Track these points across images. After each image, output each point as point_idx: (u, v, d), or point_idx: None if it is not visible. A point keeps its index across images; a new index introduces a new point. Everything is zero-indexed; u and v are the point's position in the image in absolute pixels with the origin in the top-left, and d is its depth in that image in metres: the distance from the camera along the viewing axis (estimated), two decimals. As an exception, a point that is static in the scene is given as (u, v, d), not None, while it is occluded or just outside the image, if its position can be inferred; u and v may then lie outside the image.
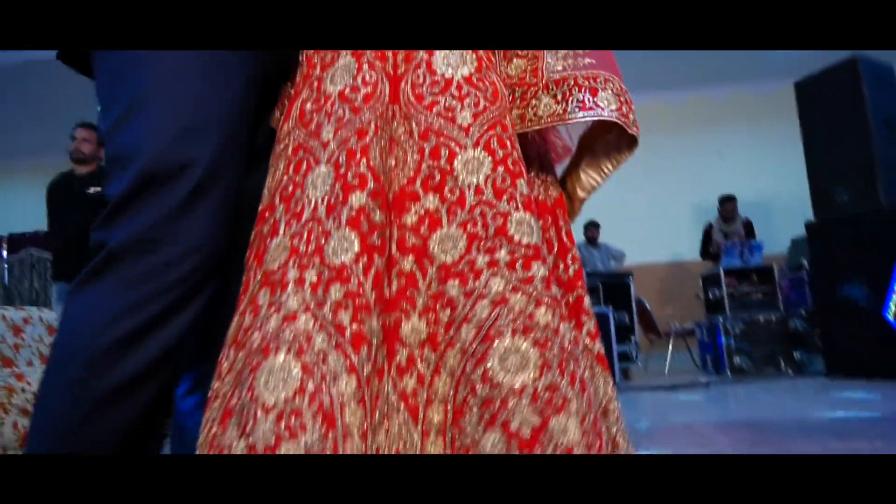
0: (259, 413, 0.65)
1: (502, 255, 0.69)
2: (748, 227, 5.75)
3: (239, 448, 0.65)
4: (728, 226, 5.70)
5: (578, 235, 5.84)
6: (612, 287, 5.06)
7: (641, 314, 5.48)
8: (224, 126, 0.74)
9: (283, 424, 0.64)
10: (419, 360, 0.70)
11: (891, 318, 3.27)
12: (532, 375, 0.64)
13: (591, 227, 6.10)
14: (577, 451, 0.63)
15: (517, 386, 0.64)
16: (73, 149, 3.41)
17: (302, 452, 0.63)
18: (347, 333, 0.67)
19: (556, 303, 0.70)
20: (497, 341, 0.66)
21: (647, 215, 7.63)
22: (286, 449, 0.63)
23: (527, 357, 0.65)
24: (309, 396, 0.65)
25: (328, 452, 0.63)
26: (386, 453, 0.67)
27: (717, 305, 4.98)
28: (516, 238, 0.70)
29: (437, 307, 0.70)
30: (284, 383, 0.65)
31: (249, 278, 0.74)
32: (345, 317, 0.68)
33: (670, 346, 5.29)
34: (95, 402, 0.69)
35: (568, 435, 0.63)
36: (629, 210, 7.48)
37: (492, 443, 0.63)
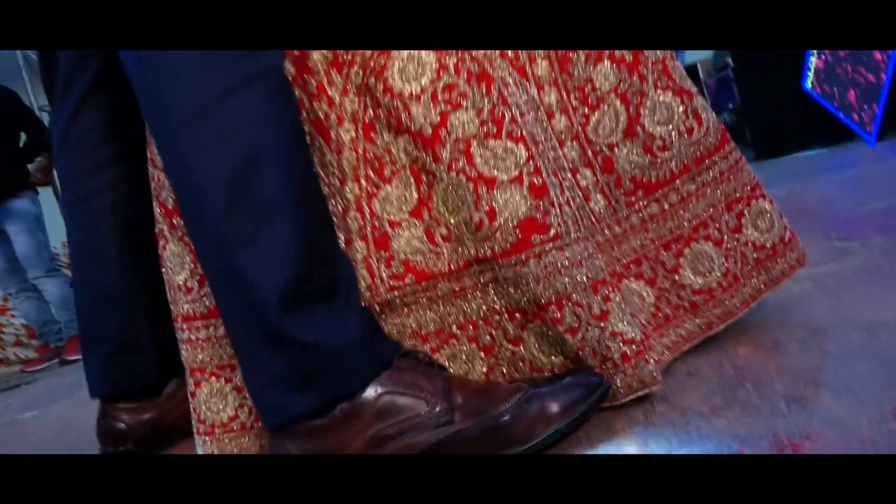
0: (407, 104, 0.71)
1: None
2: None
3: (401, 145, 0.74)
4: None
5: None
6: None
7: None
8: None
9: (439, 101, 0.71)
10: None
11: (808, 88, 3.32)
12: None
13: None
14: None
15: None
16: None
17: (472, 120, 0.71)
18: None
19: None
20: None
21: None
22: (456, 119, 0.70)
23: None
24: (454, 68, 0.71)
25: (491, 107, 0.71)
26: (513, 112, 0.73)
27: (649, 118, 5.00)
28: None
29: None
30: (422, 69, 0.71)
31: None
32: None
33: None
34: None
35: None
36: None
37: (604, 72, 0.78)
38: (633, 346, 0.69)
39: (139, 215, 0.95)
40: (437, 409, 0.63)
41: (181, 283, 0.80)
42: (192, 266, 0.79)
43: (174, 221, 0.79)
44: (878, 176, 1.81)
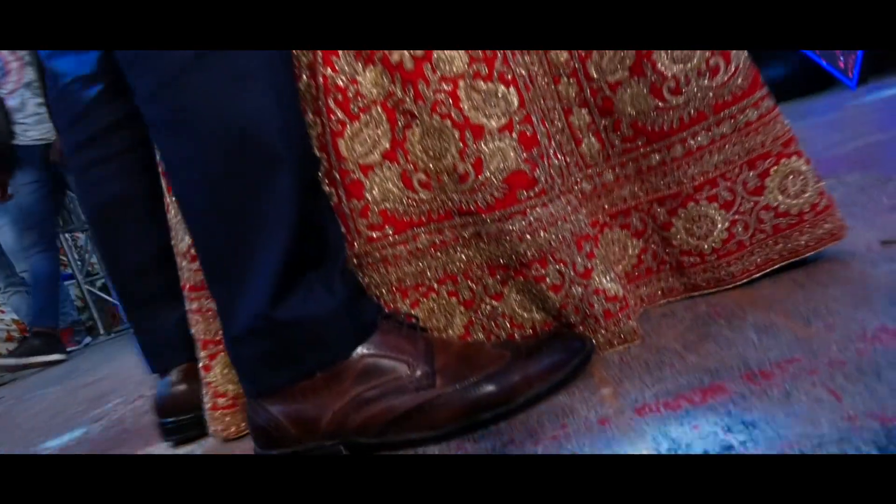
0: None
1: None
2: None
3: (369, 77, 0.68)
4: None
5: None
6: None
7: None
8: None
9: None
10: None
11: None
12: None
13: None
14: None
15: None
16: None
17: (461, 56, 0.65)
18: None
19: None
20: None
21: None
22: (443, 53, 0.65)
23: None
24: None
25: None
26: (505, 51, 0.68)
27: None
28: None
29: None
30: None
31: None
32: None
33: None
34: None
35: None
36: None
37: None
38: (616, 303, 0.68)
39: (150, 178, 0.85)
40: (419, 372, 0.62)
41: (184, 250, 0.76)
42: None
43: (169, 184, 0.75)
44: (857, 117, 1.80)
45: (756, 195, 0.72)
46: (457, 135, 0.66)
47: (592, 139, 0.74)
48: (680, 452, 0.44)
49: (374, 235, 0.73)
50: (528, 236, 0.67)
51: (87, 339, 3.86)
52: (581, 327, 0.69)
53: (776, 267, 0.73)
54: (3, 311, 3.90)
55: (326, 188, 0.72)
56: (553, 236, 0.67)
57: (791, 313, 0.61)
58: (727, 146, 0.71)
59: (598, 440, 0.50)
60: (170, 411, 0.90)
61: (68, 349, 3.46)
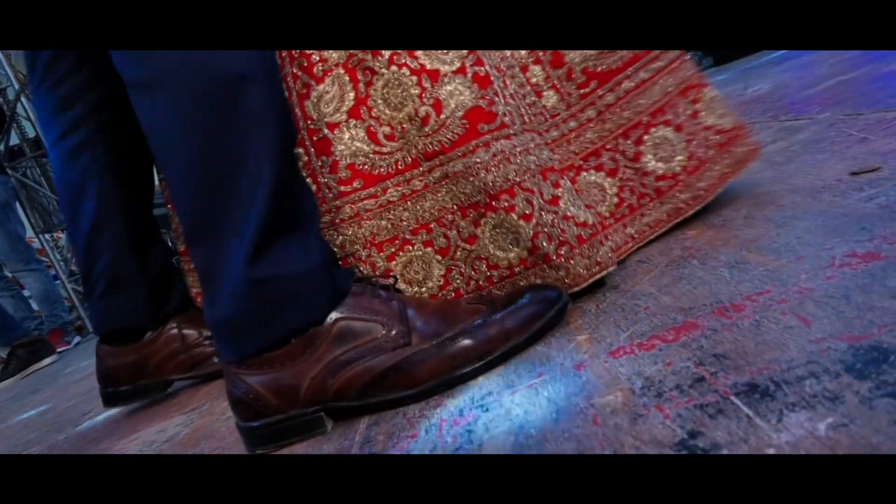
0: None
1: None
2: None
3: None
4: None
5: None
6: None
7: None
8: None
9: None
10: None
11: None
12: None
13: None
14: None
15: None
16: None
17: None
18: None
19: None
20: None
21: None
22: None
23: None
24: None
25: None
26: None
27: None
28: None
29: None
30: None
31: None
32: None
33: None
34: None
35: None
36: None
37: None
38: (587, 229, 0.69)
39: (121, 146, 0.90)
40: (394, 331, 0.62)
41: None
42: None
43: None
44: (830, 58, 1.79)
45: (694, 118, 0.82)
46: (415, 80, 0.70)
47: (550, 92, 0.80)
48: (653, 389, 0.44)
49: (345, 190, 0.75)
50: (495, 168, 0.69)
51: (77, 339, 3.84)
52: (556, 257, 0.68)
53: (734, 178, 0.82)
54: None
55: (296, 148, 0.73)
56: (517, 167, 0.69)
57: (763, 249, 0.61)
58: (661, 79, 0.82)
59: (574, 384, 0.50)
60: (104, 383, 1.01)
61: (59, 350, 3.43)
